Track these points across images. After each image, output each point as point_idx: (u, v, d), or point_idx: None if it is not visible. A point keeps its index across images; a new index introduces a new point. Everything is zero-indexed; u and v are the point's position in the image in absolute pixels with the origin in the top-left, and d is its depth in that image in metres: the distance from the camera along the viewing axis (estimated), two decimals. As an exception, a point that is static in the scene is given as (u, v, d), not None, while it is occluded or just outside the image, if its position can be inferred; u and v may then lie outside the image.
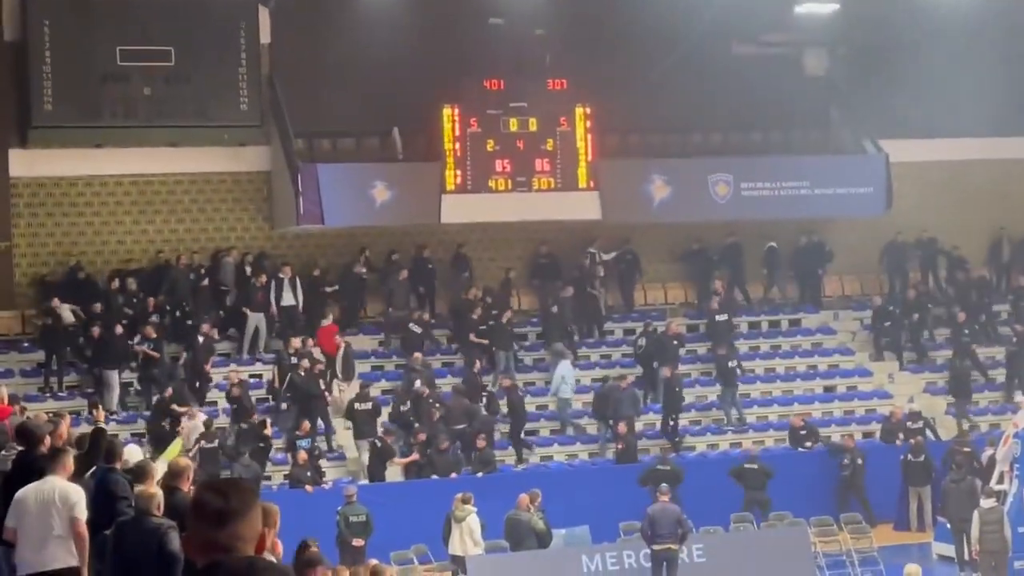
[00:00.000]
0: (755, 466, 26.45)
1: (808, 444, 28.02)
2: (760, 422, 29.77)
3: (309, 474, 25.25)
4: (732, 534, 24.88)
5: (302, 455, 25.45)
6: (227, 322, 28.60)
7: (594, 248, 30.59)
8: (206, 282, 28.32)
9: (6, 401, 14.21)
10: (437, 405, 27.04)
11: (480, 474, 26.15)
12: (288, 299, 28.40)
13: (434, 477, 25.93)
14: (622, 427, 27.24)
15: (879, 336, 31.48)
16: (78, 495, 10.64)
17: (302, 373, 26.79)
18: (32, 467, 11.59)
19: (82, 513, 10.80)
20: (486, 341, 28.85)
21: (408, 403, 27.26)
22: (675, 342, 29.78)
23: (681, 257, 31.55)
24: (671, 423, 28.46)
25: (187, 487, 12.24)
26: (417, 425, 26.88)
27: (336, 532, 22.69)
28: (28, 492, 10.78)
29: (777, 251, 31.75)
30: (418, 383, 27.37)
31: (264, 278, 28.25)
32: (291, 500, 22.79)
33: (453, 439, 26.67)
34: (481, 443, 26.49)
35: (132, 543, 10.50)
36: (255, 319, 28.25)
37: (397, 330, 29.19)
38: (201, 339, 27.19)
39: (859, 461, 26.87)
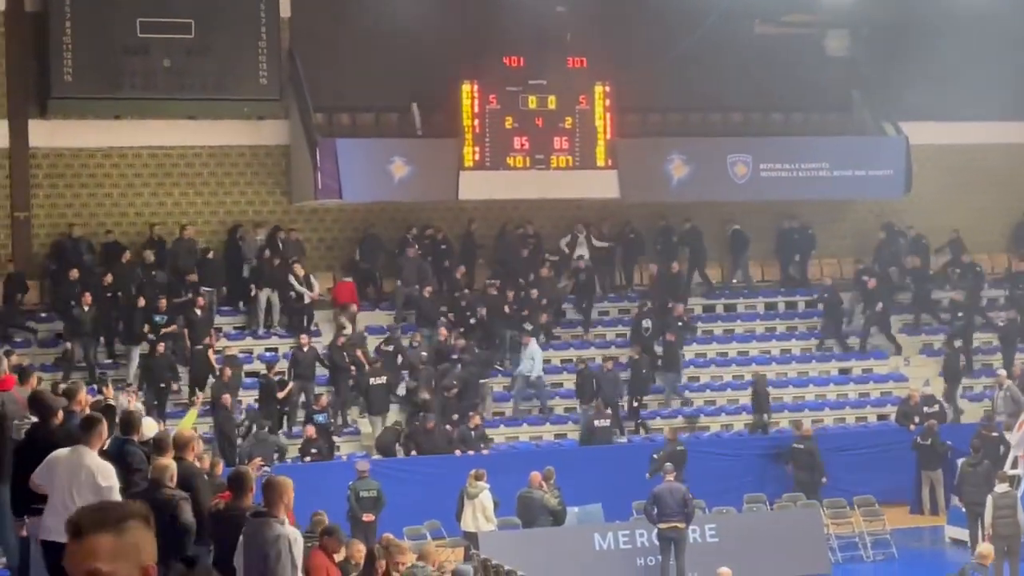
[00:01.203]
0: (803, 446, 26.51)
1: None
2: (775, 403, 29.73)
3: (315, 450, 25.29)
4: (744, 515, 24.90)
5: (309, 429, 25.55)
6: (238, 297, 28.64)
7: (581, 232, 30.42)
8: (211, 255, 28.25)
9: (7, 371, 14.19)
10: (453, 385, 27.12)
11: (485, 451, 26.16)
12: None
13: (457, 453, 26.00)
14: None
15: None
16: (109, 477, 10.40)
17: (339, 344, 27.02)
18: (47, 440, 11.58)
19: (113, 495, 10.52)
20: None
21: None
22: (680, 323, 29.67)
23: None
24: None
25: (192, 457, 12.33)
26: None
27: (347, 507, 22.74)
28: (60, 459, 10.59)
29: (741, 233, 31.54)
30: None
31: (277, 261, 28.20)
32: (307, 473, 22.94)
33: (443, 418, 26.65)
34: (475, 421, 26.45)
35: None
36: (265, 294, 28.27)
37: (410, 306, 29.24)
38: (199, 312, 27.20)
39: (801, 446, 26.33)
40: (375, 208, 29.71)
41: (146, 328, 26.86)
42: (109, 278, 27.11)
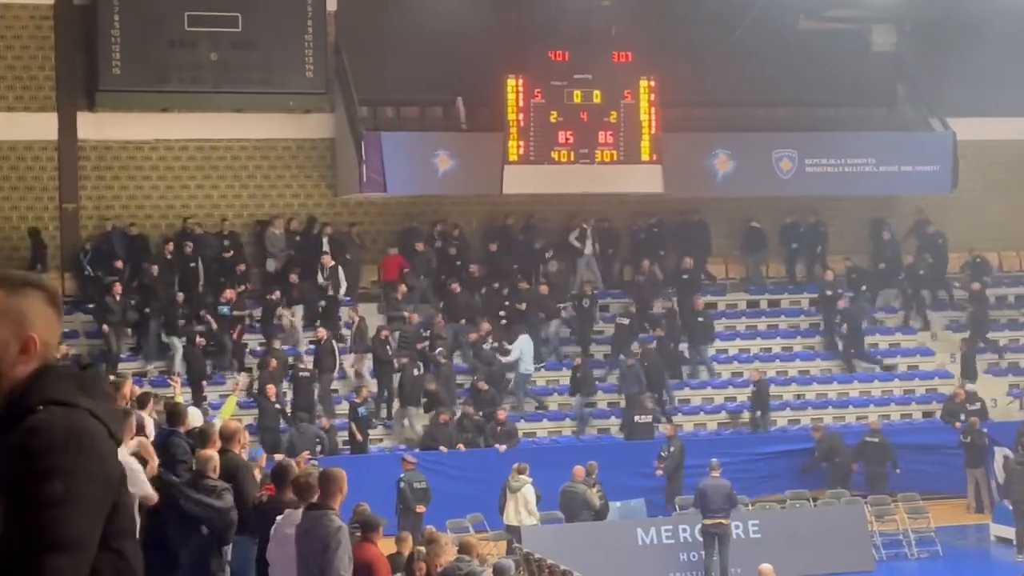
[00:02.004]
0: (876, 440, 26.46)
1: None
2: (819, 399, 29.64)
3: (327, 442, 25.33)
4: (788, 511, 24.84)
5: (324, 422, 25.71)
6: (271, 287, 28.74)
7: (588, 225, 30.28)
8: (230, 253, 28.25)
9: None
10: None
11: (502, 448, 26.02)
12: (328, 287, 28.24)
13: (497, 446, 26.04)
14: (648, 402, 27.23)
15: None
16: (131, 472, 10.52)
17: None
18: None
19: (135, 488, 10.64)
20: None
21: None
22: (700, 319, 29.45)
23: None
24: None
25: (239, 448, 12.42)
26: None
27: (396, 499, 22.78)
28: None
29: (761, 231, 31.34)
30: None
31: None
32: (343, 466, 23.01)
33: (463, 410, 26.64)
34: (502, 415, 26.40)
35: (177, 506, 10.64)
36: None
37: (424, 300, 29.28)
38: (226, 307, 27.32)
39: (672, 449, 25.64)
40: (419, 201, 29.78)
41: (182, 322, 27.00)
42: (155, 269, 27.29)
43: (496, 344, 28.03)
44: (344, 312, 28.14)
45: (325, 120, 29.25)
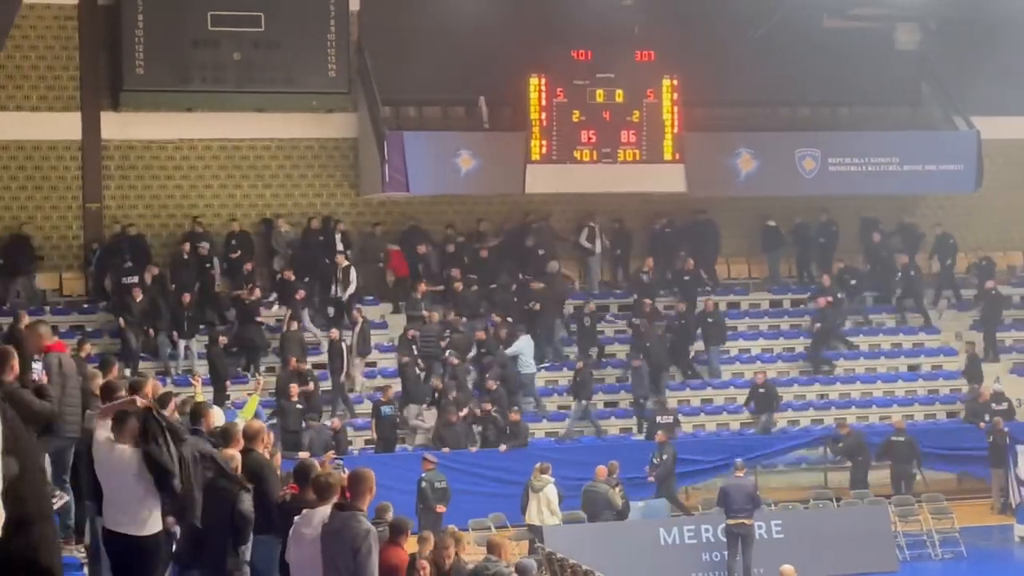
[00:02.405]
0: (903, 439, 26.40)
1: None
2: (842, 399, 29.55)
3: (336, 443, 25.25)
4: (811, 511, 24.77)
5: (336, 422, 25.64)
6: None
7: (595, 224, 30.17)
8: (238, 253, 28.09)
9: (45, 338, 14.33)
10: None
11: (504, 448, 25.93)
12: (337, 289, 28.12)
13: (502, 448, 25.99)
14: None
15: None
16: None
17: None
18: None
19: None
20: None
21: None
22: (709, 320, 29.28)
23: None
24: None
25: (262, 448, 12.42)
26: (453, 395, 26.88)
27: (416, 498, 22.79)
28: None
29: (777, 229, 31.15)
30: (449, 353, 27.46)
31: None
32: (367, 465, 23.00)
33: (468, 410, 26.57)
34: (514, 416, 26.26)
35: (207, 503, 10.64)
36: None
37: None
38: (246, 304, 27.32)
39: (664, 456, 25.21)
40: (441, 201, 29.79)
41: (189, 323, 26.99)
42: (155, 270, 27.28)
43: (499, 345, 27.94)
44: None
45: (347, 120, 29.28)
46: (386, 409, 26.12)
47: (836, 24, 31.24)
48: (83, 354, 23.82)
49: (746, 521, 22.11)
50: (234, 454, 11.28)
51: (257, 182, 29.15)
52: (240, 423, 14.55)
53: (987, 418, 27.83)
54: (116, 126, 28.18)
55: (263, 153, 29.19)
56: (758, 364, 29.78)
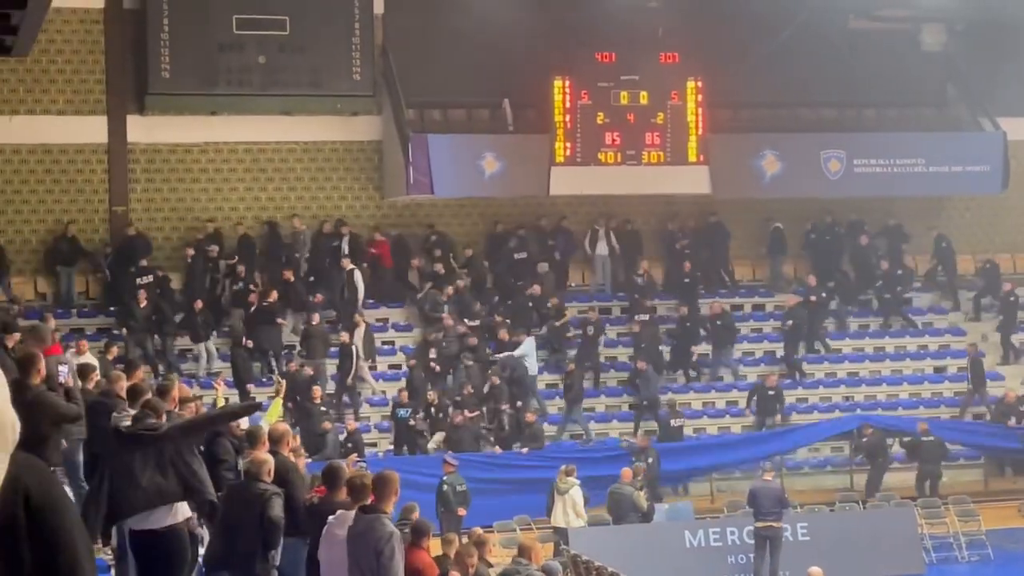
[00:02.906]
0: (931, 438, 26.33)
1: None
2: (868, 401, 29.46)
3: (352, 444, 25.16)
4: (837, 513, 24.71)
5: (351, 424, 25.61)
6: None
7: (599, 226, 30.00)
8: (234, 259, 27.97)
9: (49, 342, 14.41)
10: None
11: (524, 448, 25.87)
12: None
13: (524, 450, 25.95)
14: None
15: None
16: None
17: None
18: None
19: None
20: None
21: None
22: (717, 323, 29.07)
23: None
24: None
25: (287, 451, 12.45)
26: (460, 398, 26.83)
27: (436, 501, 22.72)
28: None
29: (783, 231, 30.97)
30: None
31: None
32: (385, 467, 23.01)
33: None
34: (530, 418, 26.13)
35: (237, 507, 10.68)
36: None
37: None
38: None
39: (650, 460, 24.77)
40: (467, 203, 29.82)
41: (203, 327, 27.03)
42: (159, 273, 27.28)
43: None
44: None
45: (372, 122, 29.33)
46: (401, 412, 26.10)
47: (861, 25, 31.15)
48: (109, 357, 23.96)
49: (774, 524, 22.06)
50: (267, 458, 11.30)
51: (282, 185, 29.23)
52: (265, 426, 14.61)
53: (1013, 420, 27.72)
54: (142, 129, 28.28)
55: (288, 156, 29.26)
56: (762, 367, 29.63)
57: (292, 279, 27.90)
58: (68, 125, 27.85)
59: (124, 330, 26.65)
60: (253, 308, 27.17)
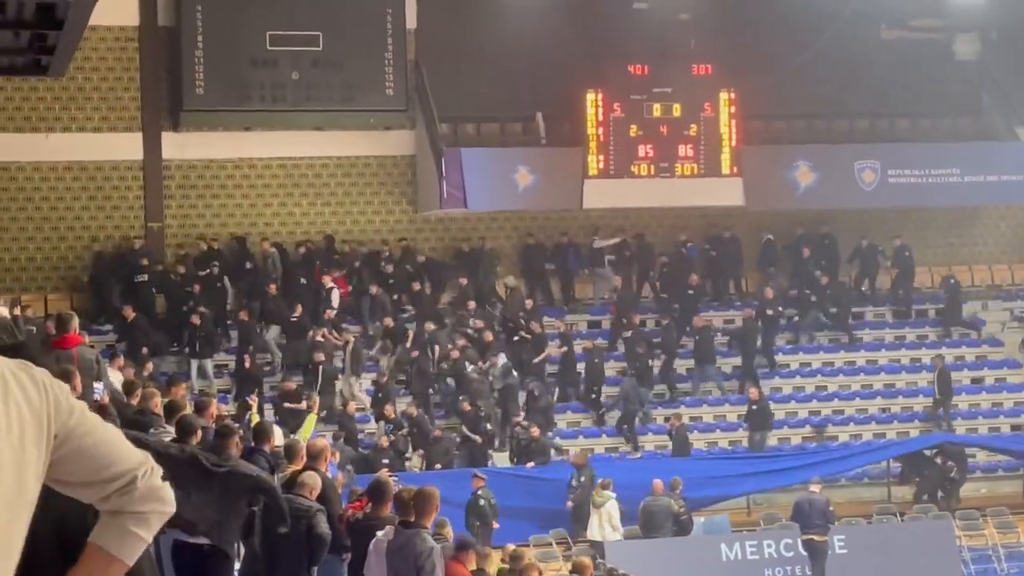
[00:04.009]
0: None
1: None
2: (905, 412, 29.31)
3: (386, 460, 24.79)
4: (875, 526, 24.58)
5: (383, 440, 25.36)
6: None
7: (596, 238, 29.78)
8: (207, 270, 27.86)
9: (76, 330, 14.45)
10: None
11: (533, 464, 25.58)
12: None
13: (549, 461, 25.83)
14: (674, 420, 26.88)
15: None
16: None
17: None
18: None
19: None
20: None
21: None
22: (711, 335, 28.85)
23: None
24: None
25: (324, 467, 12.47)
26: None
27: (467, 515, 22.60)
28: None
29: (774, 244, 30.66)
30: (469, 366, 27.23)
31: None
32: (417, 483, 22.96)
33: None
34: (535, 432, 25.66)
35: (274, 524, 10.69)
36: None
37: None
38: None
39: (582, 479, 23.95)
40: (499, 217, 29.85)
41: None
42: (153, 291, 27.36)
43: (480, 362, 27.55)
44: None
45: (405, 137, 29.40)
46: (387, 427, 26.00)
47: (894, 35, 31.05)
48: (145, 372, 24.04)
49: (818, 537, 21.98)
50: (309, 482, 11.32)
51: (316, 200, 29.32)
52: (302, 441, 14.64)
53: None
54: (176, 146, 28.44)
55: (321, 171, 29.35)
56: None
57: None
58: (104, 142, 28.02)
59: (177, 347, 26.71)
60: (289, 322, 27.23)
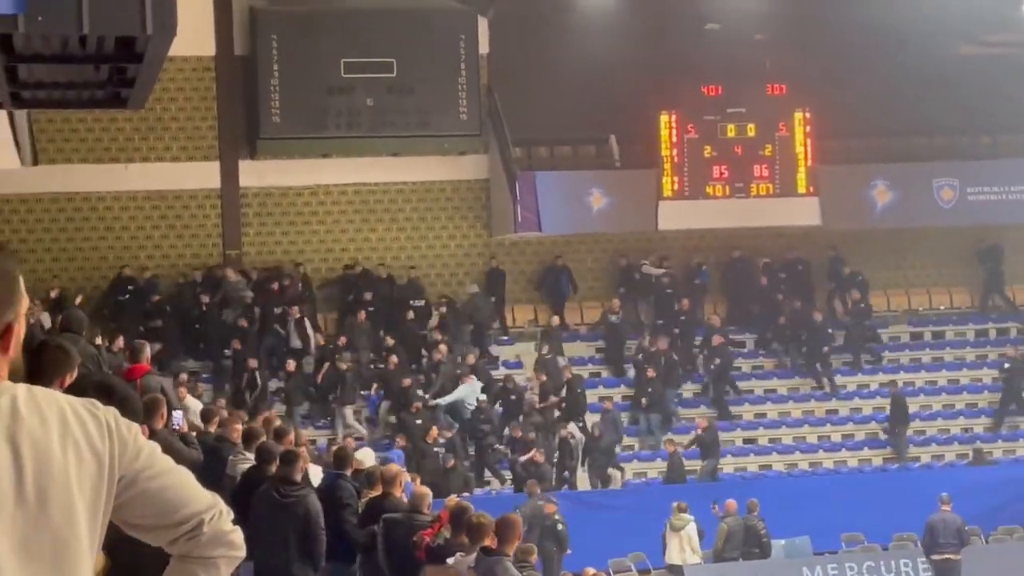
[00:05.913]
0: None
1: None
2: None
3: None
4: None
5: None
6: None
7: (646, 262, 29.52)
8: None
9: (148, 360, 14.61)
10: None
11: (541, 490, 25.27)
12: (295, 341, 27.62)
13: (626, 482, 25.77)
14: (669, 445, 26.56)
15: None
16: None
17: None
18: (260, 483, 11.99)
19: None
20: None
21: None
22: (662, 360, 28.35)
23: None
24: None
25: (399, 492, 12.53)
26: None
27: (542, 540, 22.37)
28: None
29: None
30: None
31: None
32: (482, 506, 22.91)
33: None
34: (538, 457, 25.55)
35: (402, 538, 11.00)
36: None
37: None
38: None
39: (559, 527, 22.66)
40: (574, 240, 29.84)
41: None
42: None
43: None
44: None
45: (479, 161, 29.49)
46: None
47: (973, 51, 30.75)
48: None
49: (952, 556, 21.75)
50: (426, 492, 11.84)
51: (391, 225, 29.46)
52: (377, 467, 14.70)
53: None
54: (254, 174, 28.70)
55: (397, 197, 29.50)
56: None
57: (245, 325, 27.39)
58: (182, 171, 28.33)
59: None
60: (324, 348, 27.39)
